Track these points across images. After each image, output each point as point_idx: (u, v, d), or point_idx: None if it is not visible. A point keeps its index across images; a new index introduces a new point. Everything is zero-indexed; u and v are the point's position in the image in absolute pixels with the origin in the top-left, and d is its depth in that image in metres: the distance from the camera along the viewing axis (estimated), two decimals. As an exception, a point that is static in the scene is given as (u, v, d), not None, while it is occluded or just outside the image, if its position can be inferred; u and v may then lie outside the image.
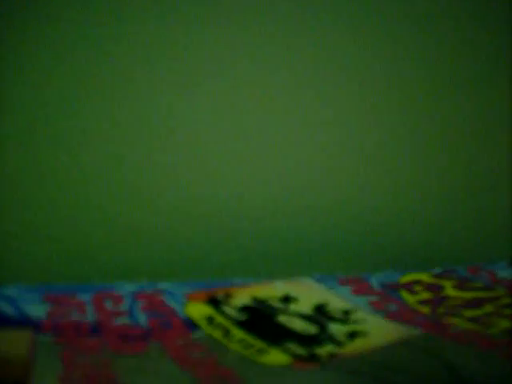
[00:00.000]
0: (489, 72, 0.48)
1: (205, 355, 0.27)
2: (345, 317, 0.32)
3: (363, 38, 0.45)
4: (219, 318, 0.31)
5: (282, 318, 0.32)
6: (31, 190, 0.41)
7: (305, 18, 0.44)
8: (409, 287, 0.37)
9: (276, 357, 0.28)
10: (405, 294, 0.36)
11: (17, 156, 0.40)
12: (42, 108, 0.40)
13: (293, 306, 0.33)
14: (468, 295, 0.36)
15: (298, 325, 0.31)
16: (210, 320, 0.31)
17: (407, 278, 0.38)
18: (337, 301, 0.34)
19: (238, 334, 0.30)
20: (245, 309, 0.32)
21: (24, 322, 0.29)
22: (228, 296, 0.34)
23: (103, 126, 0.41)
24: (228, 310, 0.32)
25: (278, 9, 0.43)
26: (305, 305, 0.33)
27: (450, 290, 0.37)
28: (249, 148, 0.44)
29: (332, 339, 0.30)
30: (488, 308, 0.34)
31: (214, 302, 0.33)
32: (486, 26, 0.47)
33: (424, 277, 0.38)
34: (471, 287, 0.37)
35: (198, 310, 0.32)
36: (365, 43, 0.45)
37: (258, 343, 0.29)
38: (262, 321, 0.31)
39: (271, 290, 0.35)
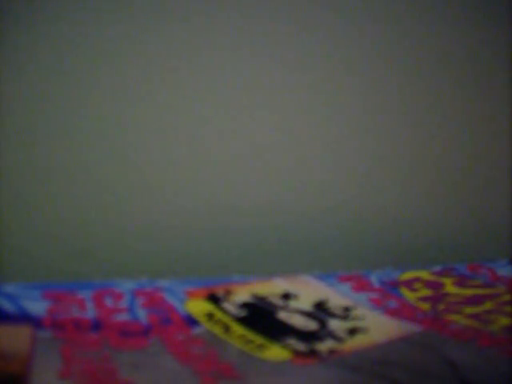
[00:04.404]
0: (490, 70, 0.48)
1: (205, 350, 0.27)
2: (345, 313, 0.32)
3: (364, 34, 0.45)
4: (219, 315, 0.31)
5: (282, 315, 0.32)
6: (31, 188, 0.41)
7: (305, 16, 0.44)
8: (409, 284, 0.37)
9: (276, 352, 0.28)
10: (405, 291, 0.36)
11: (17, 155, 0.40)
12: (42, 107, 0.40)
13: (293, 303, 0.33)
14: (468, 292, 0.36)
15: (298, 321, 0.31)
16: (210, 316, 0.31)
17: (407, 276, 0.38)
18: (337, 297, 0.34)
19: (238, 329, 0.30)
20: (245, 305, 0.32)
21: (24, 318, 0.29)
22: (228, 293, 0.34)
23: (102, 125, 0.41)
24: (228, 306, 0.32)
25: (278, 7, 0.43)
26: (305, 301, 0.33)
27: (450, 287, 0.37)
28: (249, 146, 0.44)
29: (332, 335, 0.30)
30: (488, 305, 0.34)
31: (214, 299, 0.33)
32: (487, 17, 0.47)
33: (424, 274, 0.38)
34: (471, 284, 0.37)
35: (197, 307, 0.32)
36: (366, 40, 0.45)
37: (258, 339, 0.29)
38: (261, 317, 0.31)
39: (271, 287, 0.35)
